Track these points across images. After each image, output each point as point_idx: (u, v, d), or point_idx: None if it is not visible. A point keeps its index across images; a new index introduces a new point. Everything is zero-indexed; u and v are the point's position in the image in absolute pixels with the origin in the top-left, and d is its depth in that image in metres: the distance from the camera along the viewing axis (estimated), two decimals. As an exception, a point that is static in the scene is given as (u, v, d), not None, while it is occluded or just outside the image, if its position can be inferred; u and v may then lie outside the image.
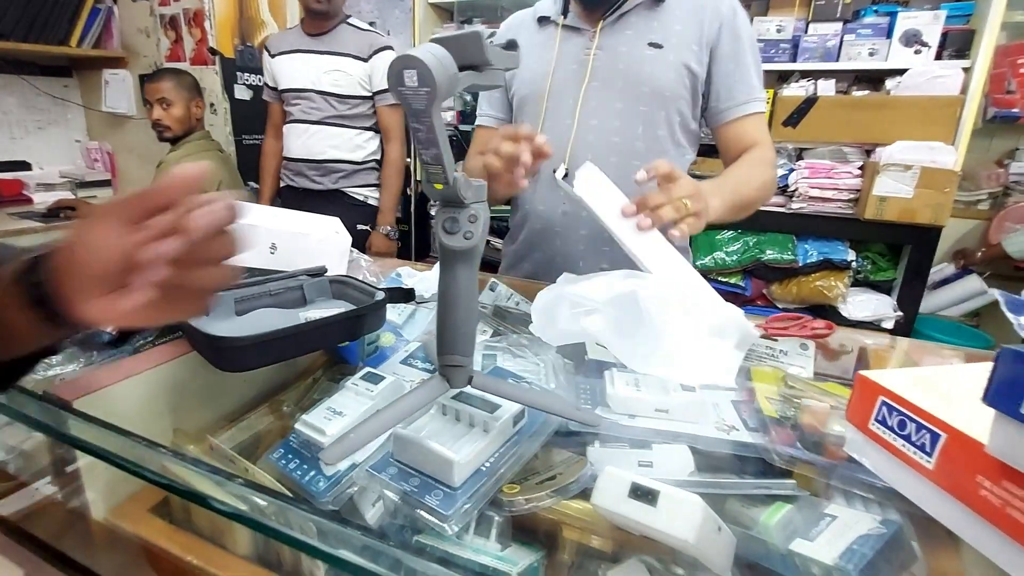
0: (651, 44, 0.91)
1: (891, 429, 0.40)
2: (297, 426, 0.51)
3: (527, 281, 0.98)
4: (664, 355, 0.58)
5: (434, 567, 0.33)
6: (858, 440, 0.44)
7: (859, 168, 1.93)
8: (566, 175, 0.91)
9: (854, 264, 2.02)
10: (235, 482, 0.40)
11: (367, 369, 0.57)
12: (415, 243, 2.71)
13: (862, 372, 0.42)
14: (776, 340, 0.73)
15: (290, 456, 0.51)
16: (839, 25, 1.94)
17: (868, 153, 1.94)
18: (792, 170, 2.03)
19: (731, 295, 2.15)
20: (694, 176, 0.80)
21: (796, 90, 1.99)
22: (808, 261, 2.06)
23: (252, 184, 2.36)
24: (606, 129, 0.93)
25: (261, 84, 2.34)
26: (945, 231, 1.83)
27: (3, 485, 0.57)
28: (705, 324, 0.61)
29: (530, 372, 0.63)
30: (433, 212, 2.60)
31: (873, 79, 2.00)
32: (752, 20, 2.02)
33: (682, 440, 0.52)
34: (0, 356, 0.40)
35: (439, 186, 0.41)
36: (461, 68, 0.40)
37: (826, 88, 1.96)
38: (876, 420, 0.42)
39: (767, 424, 0.55)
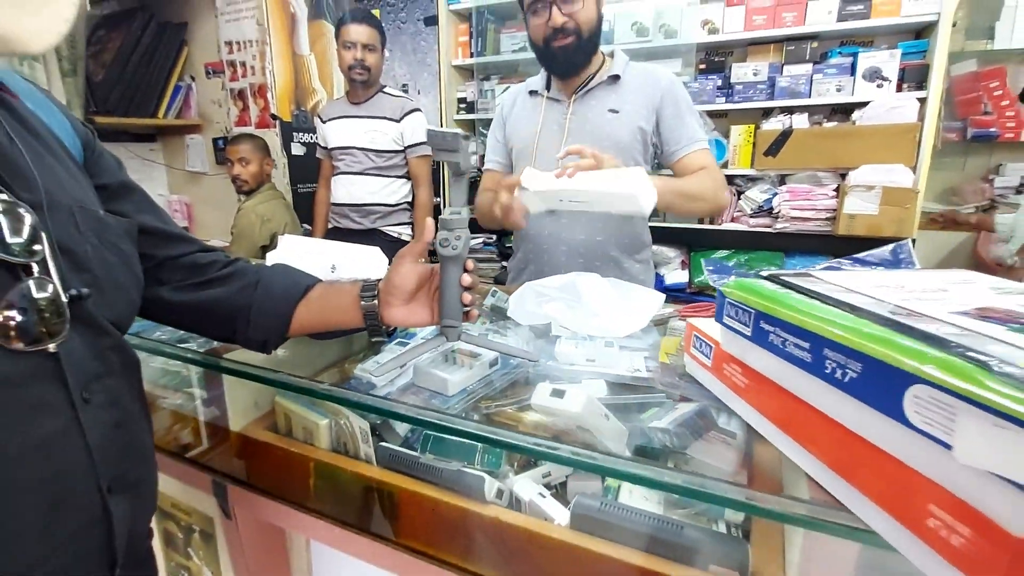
0: (610, 110, 1.23)
1: (698, 350, 0.68)
2: (356, 371, 0.82)
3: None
4: (595, 319, 0.87)
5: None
6: (689, 362, 0.71)
7: (834, 190, 2.16)
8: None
9: (838, 276, 2.22)
10: (346, 387, 0.71)
11: (399, 339, 0.88)
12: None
13: (688, 319, 0.70)
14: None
15: (351, 388, 0.82)
16: (809, 66, 2.21)
17: (843, 176, 2.18)
18: (775, 194, 2.27)
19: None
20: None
21: (774, 124, 2.26)
22: (797, 275, 2.27)
23: (306, 226, 2.77)
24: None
25: (314, 142, 2.78)
26: (937, 242, 2.03)
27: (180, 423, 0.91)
28: (622, 298, 0.89)
29: (510, 340, 0.93)
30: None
31: (844, 111, 2.25)
32: (731, 67, 2.32)
33: (600, 377, 0.80)
34: (300, 333, 0.76)
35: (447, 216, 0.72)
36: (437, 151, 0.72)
37: (800, 121, 2.22)
38: (693, 347, 0.69)
39: (660, 368, 0.82)
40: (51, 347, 0.49)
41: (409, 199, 2.32)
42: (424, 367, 0.76)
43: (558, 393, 0.67)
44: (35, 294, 0.48)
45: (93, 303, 0.54)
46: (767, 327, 0.50)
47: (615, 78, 1.24)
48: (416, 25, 3.01)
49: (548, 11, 1.15)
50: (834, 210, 2.15)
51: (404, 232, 2.31)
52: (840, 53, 2.20)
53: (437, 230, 0.74)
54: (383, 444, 0.76)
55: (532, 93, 1.34)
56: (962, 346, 0.34)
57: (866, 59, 2.11)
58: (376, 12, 3.11)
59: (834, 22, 2.13)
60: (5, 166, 0.50)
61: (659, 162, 1.31)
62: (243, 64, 2.91)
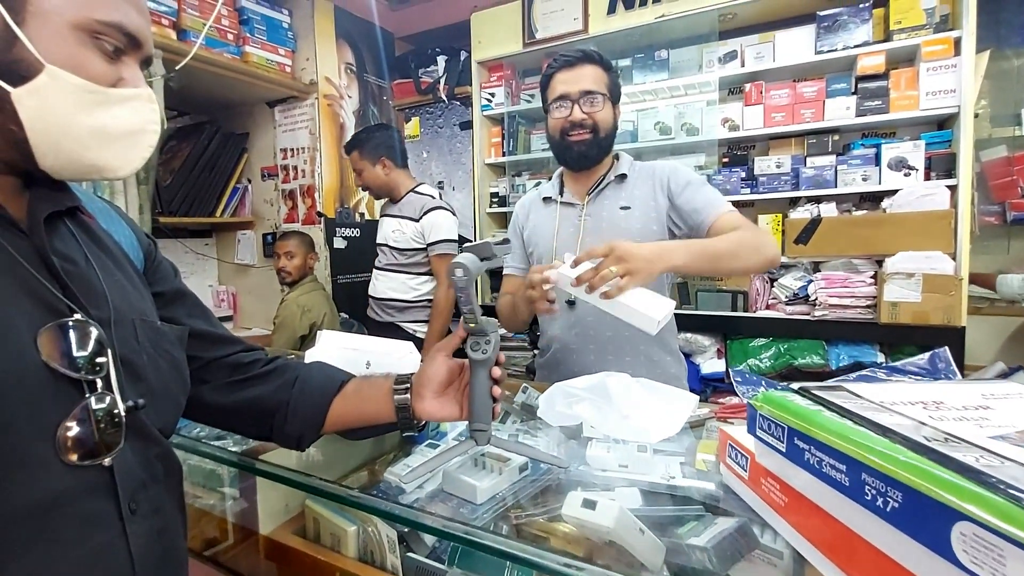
0: (622, 207, 1.28)
1: (734, 460, 0.65)
2: (385, 475, 0.82)
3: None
4: (626, 422, 0.85)
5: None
6: (725, 472, 0.68)
7: (871, 277, 2.13)
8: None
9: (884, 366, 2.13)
10: (370, 494, 0.71)
11: (430, 440, 0.88)
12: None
13: (721, 427, 0.69)
14: (732, 423, 0.97)
15: (380, 494, 0.81)
16: (832, 157, 2.26)
17: (879, 263, 2.15)
18: (810, 281, 2.25)
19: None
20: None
21: (802, 213, 2.28)
22: (840, 364, 2.19)
23: (343, 315, 2.86)
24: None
25: (355, 236, 2.93)
26: (991, 329, 1.94)
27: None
28: (655, 399, 0.88)
29: (540, 443, 0.91)
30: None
31: (873, 198, 2.26)
32: (754, 159, 2.39)
33: (634, 485, 0.78)
34: (334, 429, 0.78)
35: (472, 324, 0.75)
36: (481, 260, 0.76)
37: (828, 210, 2.23)
38: (728, 456, 0.67)
39: (696, 474, 0.79)
40: (106, 461, 0.51)
41: (430, 296, 2.32)
42: (453, 473, 0.76)
43: (589, 504, 0.65)
44: (96, 406, 0.51)
45: (145, 412, 0.56)
46: (802, 445, 0.49)
47: (622, 177, 1.31)
48: (452, 129, 3.26)
49: (570, 108, 1.25)
50: (874, 297, 2.10)
51: (419, 329, 2.30)
52: (863, 145, 2.25)
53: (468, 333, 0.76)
54: (410, 555, 0.75)
55: (546, 200, 1.41)
56: (1003, 481, 0.32)
57: (890, 150, 2.15)
58: (416, 120, 3.39)
59: (853, 117, 2.20)
60: (81, 286, 0.55)
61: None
62: (295, 168, 3.17)
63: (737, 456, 0.66)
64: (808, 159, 2.31)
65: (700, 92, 2.46)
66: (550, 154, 2.86)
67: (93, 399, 0.51)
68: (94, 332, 0.52)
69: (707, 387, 2.39)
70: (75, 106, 0.51)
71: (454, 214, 2.27)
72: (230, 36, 2.66)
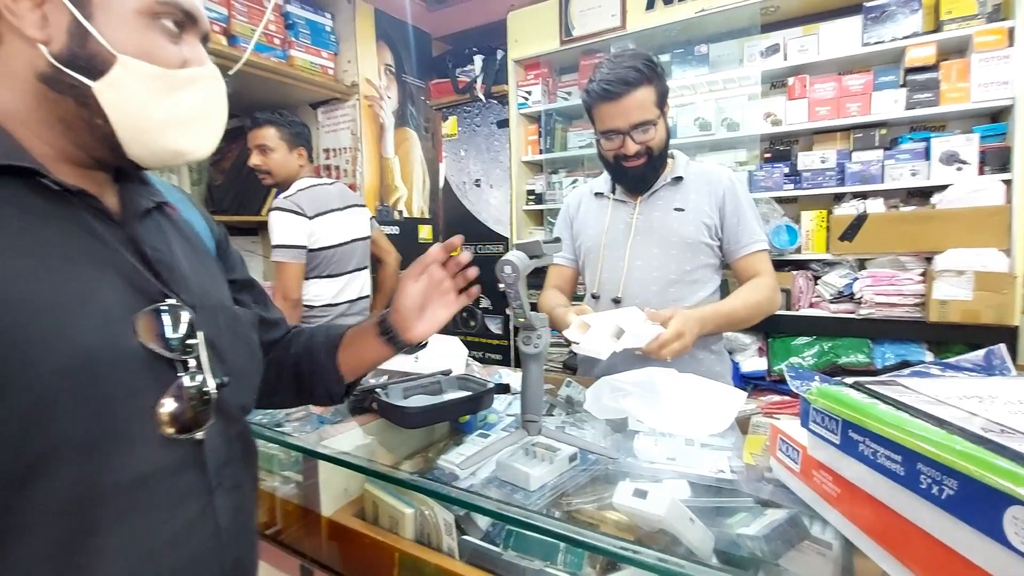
0: (676, 208, 1.28)
1: (784, 454, 0.67)
2: (439, 461, 0.86)
3: (593, 379, 1.30)
4: (674, 417, 0.87)
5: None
6: (775, 465, 0.70)
7: (920, 275, 2.07)
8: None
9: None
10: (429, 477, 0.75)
11: (480, 431, 0.92)
12: (513, 354, 3.13)
13: (771, 422, 0.70)
14: (778, 418, 0.98)
15: (434, 479, 0.85)
16: (879, 152, 2.20)
17: (927, 260, 2.08)
18: (856, 279, 2.20)
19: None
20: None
21: (848, 209, 2.23)
22: (887, 363, 2.14)
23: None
24: (648, 268, 1.29)
25: (395, 233, 3.01)
26: None
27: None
28: (702, 394, 0.89)
29: (587, 436, 0.94)
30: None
31: (922, 194, 2.19)
32: (798, 155, 2.35)
33: (682, 477, 0.80)
34: (353, 376, 0.81)
35: (521, 320, 0.78)
36: (530, 258, 0.79)
37: (875, 206, 2.18)
38: (779, 450, 0.68)
39: (744, 469, 0.80)
40: (199, 435, 0.55)
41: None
42: (506, 461, 0.79)
43: (640, 493, 0.67)
44: (189, 387, 0.54)
45: (228, 392, 0.59)
46: (856, 437, 0.50)
47: (678, 179, 1.31)
48: (489, 128, 3.30)
49: (621, 140, 1.22)
50: (922, 295, 2.04)
51: None
52: (911, 139, 2.19)
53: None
54: (465, 538, 0.79)
55: (598, 195, 1.42)
56: (1062, 471, 0.34)
57: (940, 144, 2.08)
58: (453, 119, 3.45)
59: (902, 110, 2.14)
60: (170, 273, 0.58)
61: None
62: (337, 167, 3.26)
63: (788, 450, 0.68)
64: (854, 154, 2.25)
65: (741, 86, 2.43)
66: (587, 151, 2.90)
67: (187, 377, 0.54)
68: (186, 315, 0.56)
69: (748, 386, 2.36)
70: (150, 92, 0.53)
71: (298, 212, 1.90)
72: (276, 41, 2.76)
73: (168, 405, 0.52)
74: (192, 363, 0.55)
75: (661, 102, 1.23)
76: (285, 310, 1.83)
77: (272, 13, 2.72)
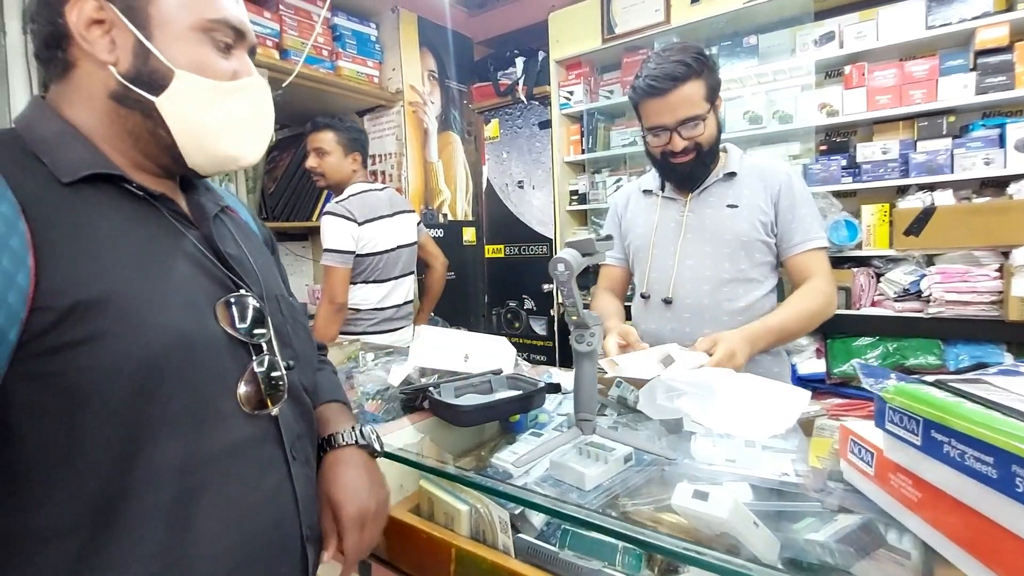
0: (729, 205, 1.24)
1: (857, 456, 0.64)
2: (492, 459, 0.87)
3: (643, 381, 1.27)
4: (733, 418, 0.84)
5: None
6: (846, 468, 0.67)
7: (996, 270, 1.93)
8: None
9: (1013, 366, 1.93)
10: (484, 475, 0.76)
11: (533, 430, 0.92)
12: (559, 353, 3.12)
13: (842, 423, 0.67)
14: (844, 420, 0.93)
15: (487, 476, 0.86)
16: (948, 141, 2.07)
17: (1005, 255, 1.94)
18: (923, 276, 2.08)
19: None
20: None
21: (913, 202, 2.10)
22: (960, 366, 2.01)
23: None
24: (700, 267, 1.25)
25: (439, 236, 3.05)
26: None
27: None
28: (763, 394, 0.86)
29: (641, 435, 0.92)
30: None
31: (997, 184, 2.05)
32: (856, 146, 2.24)
33: (743, 480, 0.77)
34: None
35: (574, 318, 0.78)
36: (583, 256, 0.79)
37: (944, 198, 2.05)
38: (851, 453, 0.65)
39: (811, 472, 0.77)
40: (274, 411, 0.61)
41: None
42: (561, 460, 0.79)
43: (701, 495, 0.65)
44: (264, 368, 0.60)
45: (295, 373, 0.66)
46: (940, 437, 0.47)
47: (731, 175, 1.26)
48: (531, 129, 3.30)
49: (668, 136, 1.19)
50: (999, 292, 1.91)
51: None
52: (984, 125, 2.05)
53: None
54: (520, 536, 0.78)
55: (646, 192, 1.39)
56: None
57: (1017, 130, 1.94)
58: (495, 122, 3.47)
59: (972, 95, 2.01)
60: (241, 268, 0.64)
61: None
62: (383, 172, 3.34)
63: (861, 452, 0.65)
64: (919, 143, 2.13)
65: (793, 77, 2.34)
66: (630, 150, 2.86)
67: (264, 359, 0.61)
68: (256, 304, 0.62)
69: (805, 388, 2.27)
70: (206, 104, 0.58)
71: (348, 218, 1.92)
72: (325, 52, 2.85)
73: (247, 384, 0.58)
74: (265, 347, 0.62)
75: (711, 96, 1.19)
76: (330, 313, 1.92)
77: (321, 26, 2.82)
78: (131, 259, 0.53)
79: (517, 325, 3.39)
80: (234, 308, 0.60)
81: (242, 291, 0.61)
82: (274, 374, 0.61)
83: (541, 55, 3.14)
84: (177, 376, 0.53)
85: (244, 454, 0.57)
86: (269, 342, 0.62)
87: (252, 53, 0.65)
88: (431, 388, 0.98)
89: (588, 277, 1.45)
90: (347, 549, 0.66)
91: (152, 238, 0.57)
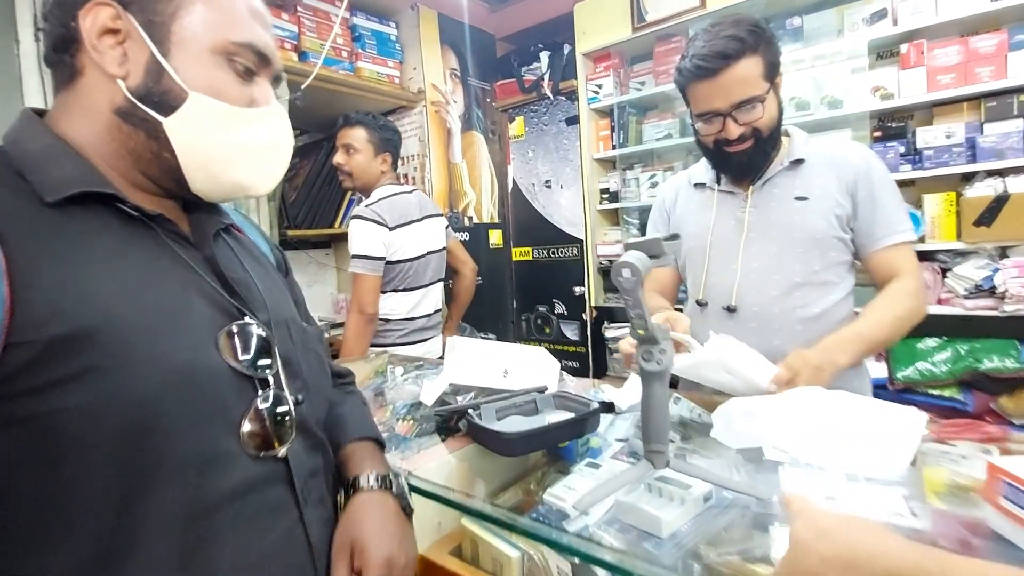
0: (797, 198, 1.09)
1: (1013, 502, 0.50)
2: (545, 496, 0.75)
3: (706, 396, 1.13)
4: (831, 448, 0.71)
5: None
6: (992, 515, 0.53)
7: (1083, 262, 1.74)
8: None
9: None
10: (528, 518, 0.64)
11: (589, 460, 0.80)
12: (592, 360, 2.98)
13: (990, 460, 0.53)
14: (954, 444, 0.79)
15: (540, 518, 0.74)
16: (1020, 122, 1.89)
17: (1092, 245, 1.76)
18: (997, 270, 1.89)
19: (948, 411, 1.95)
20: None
21: (983, 190, 1.92)
22: (1044, 369, 1.82)
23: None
24: (767, 270, 1.11)
25: (464, 240, 2.95)
26: None
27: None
28: (864, 417, 0.73)
29: (715, 466, 0.79)
30: (607, 334, 2.87)
31: (1082, 167, 1.86)
32: (915, 131, 2.07)
33: (851, 523, 0.64)
34: None
35: (641, 332, 0.65)
36: (651, 258, 0.66)
37: (1017, 184, 1.86)
38: (1004, 497, 0.51)
39: (931, 513, 0.63)
40: (282, 452, 0.54)
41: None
42: (630, 500, 0.66)
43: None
44: (270, 405, 0.54)
45: (305, 408, 0.59)
46: None
47: (798, 162, 1.12)
48: (558, 126, 3.18)
49: (722, 122, 1.05)
50: (1088, 287, 1.72)
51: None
52: (1063, 102, 1.86)
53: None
54: (583, 590, 0.67)
55: (698, 186, 1.24)
56: None
57: (1104, 105, 1.75)
58: (520, 120, 3.36)
59: (1049, 70, 1.82)
60: (246, 291, 0.58)
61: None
62: (406, 175, 3.26)
63: (1018, 496, 0.51)
64: (986, 126, 1.95)
65: (843, 60, 2.17)
66: (664, 143, 2.71)
67: (270, 394, 0.54)
68: (262, 333, 0.56)
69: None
70: (217, 129, 0.54)
71: (379, 222, 1.81)
72: (344, 54, 2.78)
73: (252, 423, 0.52)
74: (272, 381, 0.56)
75: (770, 73, 1.04)
76: (359, 324, 1.81)
77: (339, 27, 2.75)
78: (122, 285, 0.48)
79: (548, 330, 3.27)
80: (237, 338, 0.53)
81: (247, 318, 0.55)
82: (280, 409, 0.54)
83: (567, 48, 3.02)
84: (176, 415, 0.47)
85: (252, 498, 0.52)
86: (276, 375, 0.56)
87: (276, 81, 0.61)
88: (471, 411, 0.87)
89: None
90: None
91: (147, 261, 0.52)
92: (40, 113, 0.55)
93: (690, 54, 1.06)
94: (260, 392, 0.54)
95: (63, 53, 0.52)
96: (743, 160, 1.09)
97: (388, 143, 1.96)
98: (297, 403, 0.57)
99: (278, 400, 0.54)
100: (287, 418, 0.55)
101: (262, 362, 0.54)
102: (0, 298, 0.42)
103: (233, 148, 0.56)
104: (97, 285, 0.46)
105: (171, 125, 0.52)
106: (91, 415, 0.44)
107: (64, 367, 0.43)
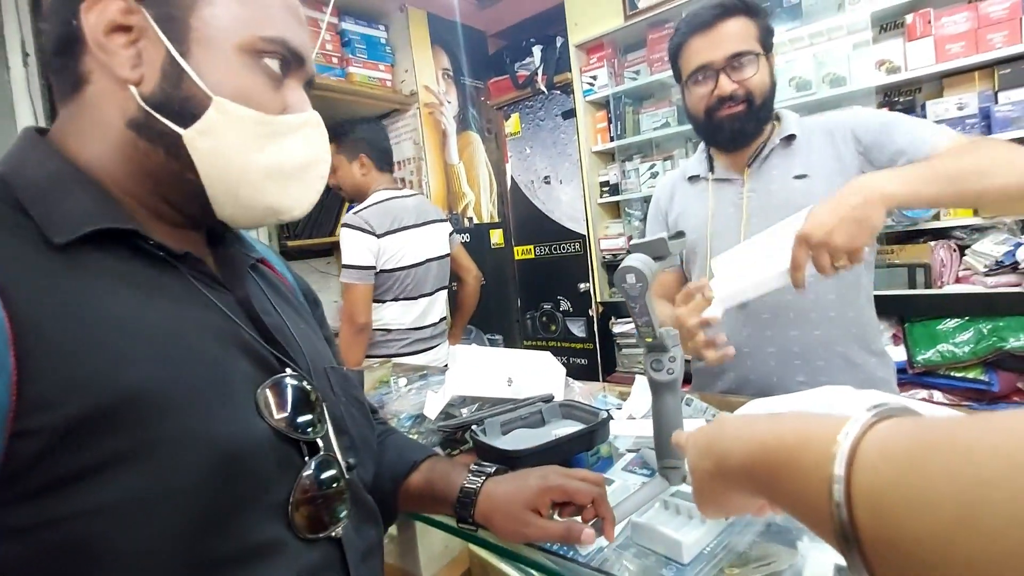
0: (796, 176, 1.04)
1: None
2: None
3: (721, 397, 1.08)
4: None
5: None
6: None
7: (1110, 232, 1.67)
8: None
9: None
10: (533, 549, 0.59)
11: (601, 475, 0.75)
12: (601, 357, 2.92)
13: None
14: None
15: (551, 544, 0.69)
16: (1036, 88, 1.81)
17: (1118, 213, 1.68)
18: (1019, 244, 1.82)
19: (972, 392, 1.89)
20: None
21: (997, 161, 1.85)
22: (1071, 345, 1.75)
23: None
24: None
25: (465, 241, 2.91)
26: None
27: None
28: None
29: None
30: (615, 329, 2.82)
31: (1102, 132, 1.78)
32: (925, 104, 1.99)
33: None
34: (405, 509, 0.68)
35: (649, 339, 0.60)
36: (655, 260, 0.61)
37: (1036, 153, 1.79)
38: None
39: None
40: (335, 532, 0.46)
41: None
42: (646, 522, 0.61)
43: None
44: (319, 472, 0.46)
45: (357, 472, 0.51)
46: None
47: (790, 139, 1.06)
48: (554, 120, 3.12)
49: (714, 79, 1.02)
50: (1116, 257, 1.64)
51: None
52: (1081, 66, 1.78)
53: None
54: (600, 619, 0.62)
55: (693, 179, 1.19)
56: None
57: (1124, 66, 1.67)
58: (516, 116, 3.30)
59: (1065, 32, 1.74)
60: (284, 339, 0.50)
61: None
62: (402, 179, 3.21)
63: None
64: (1000, 94, 1.87)
65: (844, 35, 2.10)
66: (662, 132, 2.65)
67: (312, 468, 0.46)
68: (308, 387, 0.47)
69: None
70: (247, 143, 0.46)
71: (365, 230, 1.76)
72: (334, 60, 2.74)
73: (303, 499, 0.44)
74: (322, 444, 0.48)
75: (764, 39, 1.03)
76: (350, 335, 1.76)
77: (327, 32, 2.70)
78: (149, 345, 0.40)
79: (553, 328, 3.22)
80: (289, 392, 0.46)
81: (288, 371, 0.47)
82: (328, 474, 0.46)
83: (559, 41, 2.96)
84: (219, 503, 0.39)
85: None
86: (325, 436, 0.48)
87: (310, 85, 0.52)
88: (474, 427, 0.82)
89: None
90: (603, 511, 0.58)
91: (177, 312, 0.43)
92: (42, 132, 0.47)
93: (687, 17, 1.06)
94: (308, 459, 0.46)
95: (66, 57, 0.44)
96: (735, 126, 1.04)
97: (358, 144, 1.89)
98: (349, 467, 0.49)
99: (326, 465, 0.47)
100: (336, 485, 0.47)
101: (302, 419, 0.46)
102: (6, 374, 0.33)
103: (267, 167, 0.47)
104: (119, 348, 0.38)
105: (192, 137, 0.44)
106: (117, 517, 0.36)
107: (82, 457, 0.35)
